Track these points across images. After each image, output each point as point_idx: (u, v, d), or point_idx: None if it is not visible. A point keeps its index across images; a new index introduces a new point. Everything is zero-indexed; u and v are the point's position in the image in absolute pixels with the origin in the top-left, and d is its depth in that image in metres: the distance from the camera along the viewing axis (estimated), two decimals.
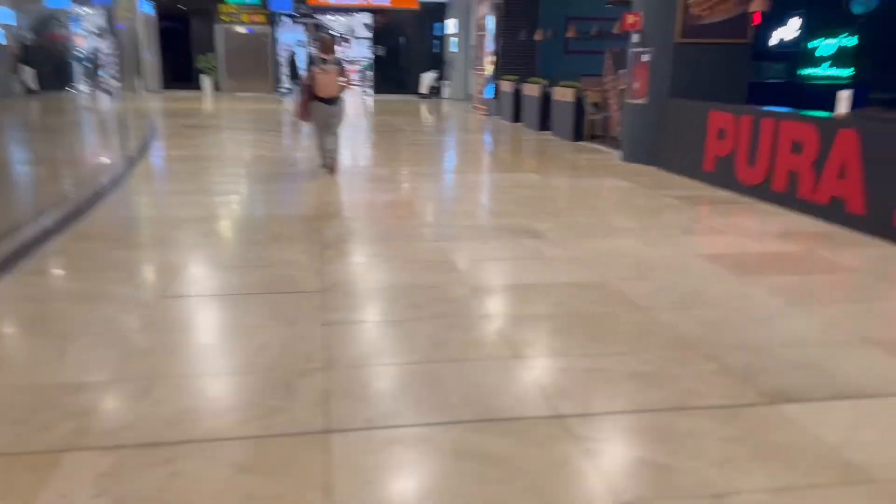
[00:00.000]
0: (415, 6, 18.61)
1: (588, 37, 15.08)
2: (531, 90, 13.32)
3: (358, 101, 21.76)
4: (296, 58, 28.41)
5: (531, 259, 4.59)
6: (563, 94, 11.65)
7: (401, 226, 5.45)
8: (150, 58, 22.28)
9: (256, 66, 23.55)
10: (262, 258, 4.47)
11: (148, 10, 22.30)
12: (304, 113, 7.37)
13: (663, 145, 8.33)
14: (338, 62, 7.40)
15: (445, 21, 22.86)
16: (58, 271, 4.29)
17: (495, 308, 3.70)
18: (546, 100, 12.81)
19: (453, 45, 22.11)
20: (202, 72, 22.31)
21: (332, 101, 7.30)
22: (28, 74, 5.59)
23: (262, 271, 4.21)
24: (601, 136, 11.28)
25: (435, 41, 24.24)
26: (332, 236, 5.02)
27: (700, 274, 4.33)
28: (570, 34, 14.91)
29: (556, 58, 15.80)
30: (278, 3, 18.83)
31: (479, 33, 17.08)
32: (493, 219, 5.76)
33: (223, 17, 22.93)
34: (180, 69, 22.85)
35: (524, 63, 15.56)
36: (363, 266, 4.36)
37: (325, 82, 7.22)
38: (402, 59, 24.57)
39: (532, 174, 8.08)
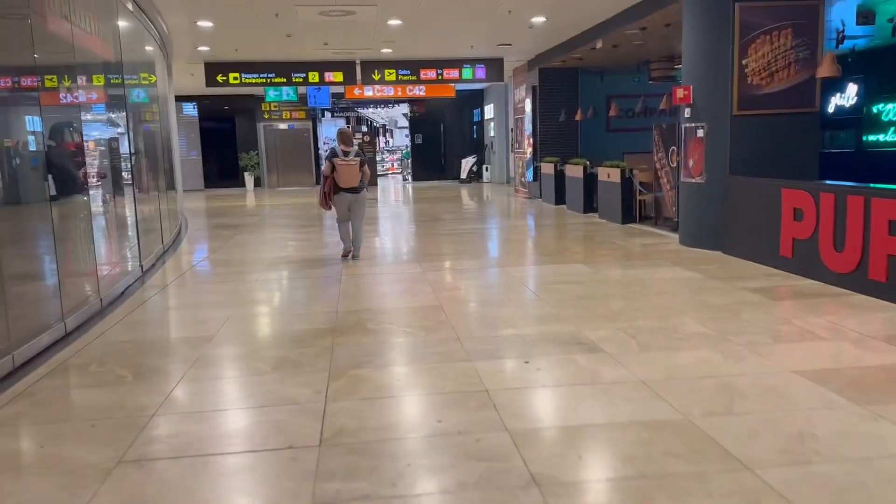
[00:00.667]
0: (450, 95, 18.44)
1: (631, 114, 14.48)
2: (574, 171, 12.65)
3: (398, 189, 21.54)
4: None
5: (587, 385, 3.69)
6: (609, 174, 10.92)
7: (429, 340, 4.63)
8: (193, 157, 22.66)
9: (298, 160, 23.74)
10: (256, 396, 3.69)
11: (191, 111, 22.88)
12: (326, 202, 7.69)
13: (729, 227, 7.41)
14: (359, 153, 7.57)
15: (484, 107, 22.74)
16: (9, 425, 3.58)
17: (545, 469, 2.78)
18: (590, 180, 12.10)
19: (492, 130, 21.87)
20: (245, 169, 22.51)
21: (354, 190, 7.59)
22: (49, 180, 5.40)
23: (251, 417, 3.42)
24: (653, 217, 10.42)
25: (473, 126, 24.13)
26: (345, 359, 4.23)
27: (806, 403, 3.36)
28: (611, 112, 14.34)
29: (598, 137, 15.22)
30: (317, 99, 18.95)
31: (518, 116, 16.71)
32: (538, 326, 4.91)
33: (265, 116, 23.33)
34: (225, 167, 23.16)
35: (565, 143, 15.01)
36: (376, 404, 3.52)
37: (346, 173, 7.47)
38: (441, 146, 24.47)
39: (580, 265, 7.24)
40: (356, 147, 7.66)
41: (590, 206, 12.18)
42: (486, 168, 22.45)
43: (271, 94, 18.57)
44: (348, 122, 31.67)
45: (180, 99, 22.36)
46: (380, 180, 23.84)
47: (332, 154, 7.54)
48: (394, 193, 20.30)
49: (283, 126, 23.59)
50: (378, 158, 25.26)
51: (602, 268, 7.07)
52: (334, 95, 21.41)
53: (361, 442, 3.04)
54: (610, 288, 6.16)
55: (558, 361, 4.08)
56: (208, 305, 6.00)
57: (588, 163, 12.28)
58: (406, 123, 35.23)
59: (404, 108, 25.99)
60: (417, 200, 16.98)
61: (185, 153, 22.98)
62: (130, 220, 7.75)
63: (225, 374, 4.17)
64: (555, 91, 14.97)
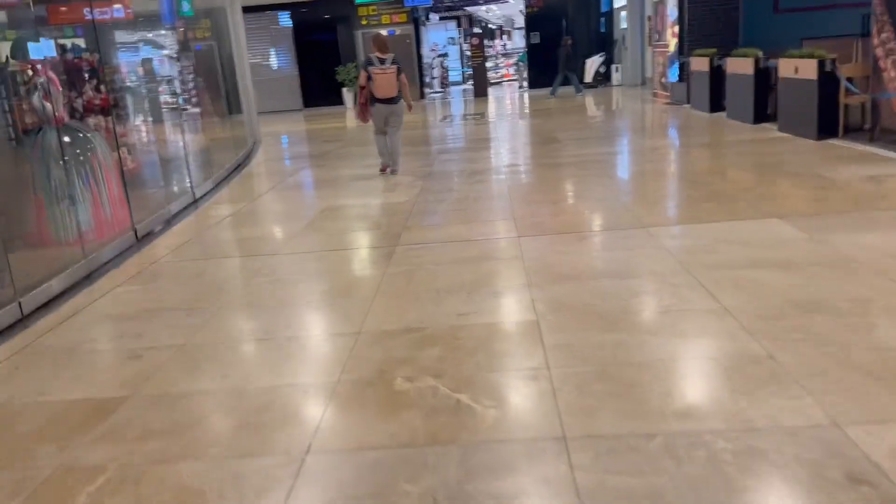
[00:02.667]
0: None
1: None
2: (739, 66, 9.37)
3: (510, 99, 18.67)
4: (446, 60, 26.00)
5: None
6: (798, 69, 7.68)
7: (515, 440, 2.28)
8: (289, 73, 20.86)
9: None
10: None
11: (286, 22, 20.91)
12: (364, 115, 7.33)
13: None
14: (395, 61, 7.17)
15: None
16: None
17: None
18: (762, 79, 8.85)
19: (623, 21, 18.22)
20: (343, 84, 20.39)
21: (391, 100, 7.21)
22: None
23: None
24: (865, 128, 7.19)
25: (601, 19, 20.44)
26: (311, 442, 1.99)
27: None
28: None
29: (763, 20, 11.59)
30: None
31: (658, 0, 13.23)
32: (734, 403, 2.40)
33: (362, 21, 20.92)
34: (326, 84, 21.11)
35: (721, 31, 11.54)
36: None
37: (383, 83, 7.09)
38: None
39: (778, 222, 4.48)
40: (392, 55, 7.24)
41: (762, 113, 8.97)
42: (617, 68, 18.95)
43: None
44: (459, 24, 28.62)
45: (273, 7, 20.44)
46: (491, 90, 21.01)
47: (368, 62, 7.21)
48: (504, 105, 17.51)
49: (383, 33, 21.06)
50: (489, 65, 22.27)
51: (819, 228, 4.27)
52: None
53: None
54: (854, 279, 3.43)
55: None
56: (197, 303, 3.95)
57: (761, 54, 8.98)
58: (524, 23, 31.67)
59: (521, 4, 22.63)
60: (531, 114, 14.17)
61: (280, 69, 21.26)
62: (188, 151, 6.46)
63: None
64: None
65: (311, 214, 5.98)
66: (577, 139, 9.43)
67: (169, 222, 6.09)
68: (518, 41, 31.82)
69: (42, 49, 4.96)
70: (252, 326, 3.61)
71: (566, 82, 17.08)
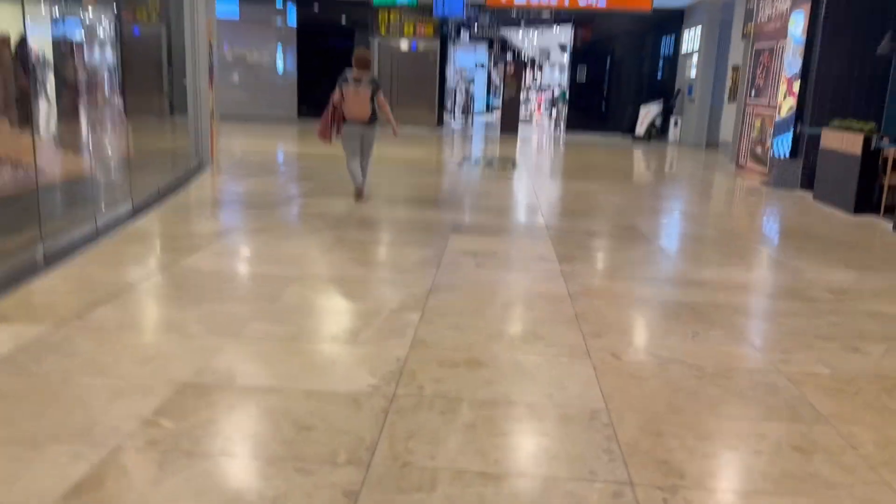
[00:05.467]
0: (646, 7, 12.11)
1: None
2: None
3: (541, 141, 15.47)
4: (472, 86, 22.69)
5: None
6: None
7: None
8: (285, 77, 17.71)
9: (419, 92, 18.13)
10: None
11: (291, 21, 17.80)
12: (327, 133, 6.62)
13: None
14: (373, 80, 6.56)
15: (682, 31, 15.90)
16: None
17: None
18: None
19: (692, 66, 15.09)
20: None
21: (363, 123, 6.60)
22: None
23: None
24: None
25: (660, 61, 17.34)
26: None
27: None
28: None
29: None
30: (446, 5, 13.14)
31: (765, 45, 10.05)
32: None
33: (381, 30, 17.80)
34: (327, 95, 17.94)
35: (864, 98, 8.34)
36: None
37: (354, 103, 6.49)
38: (605, 87, 17.97)
39: None
40: (372, 74, 6.75)
41: None
42: (676, 122, 15.79)
43: None
44: (490, 46, 25.51)
45: None
46: (521, 126, 17.85)
47: (342, 79, 6.48)
48: (537, 150, 14.29)
49: (403, 45, 17.97)
50: (522, 98, 19.12)
51: None
52: (473, 5, 15.41)
53: None
54: None
55: None
56: None
57: None
58: (561, 57, 28.66)
59: (564, 34, 19.60)
60: (565, 168, 10.89)
61: (275, 72, 18.11)
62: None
63: None
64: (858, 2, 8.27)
65: (150, 406, 2.67)
66: (627, 209, 6.13)
67: None
68: (548, 75, 28.83)
69: None
70: None
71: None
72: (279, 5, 17.69)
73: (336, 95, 6.50)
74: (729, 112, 12.88)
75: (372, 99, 6.48)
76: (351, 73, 6.48)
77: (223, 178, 8.19)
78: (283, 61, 18.08)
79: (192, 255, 4.60)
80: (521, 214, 7.06)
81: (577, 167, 10.89)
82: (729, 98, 12.84)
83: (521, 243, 5.55)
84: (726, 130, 13.03)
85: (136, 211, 5.65)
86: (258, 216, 6.07)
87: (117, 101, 6.24)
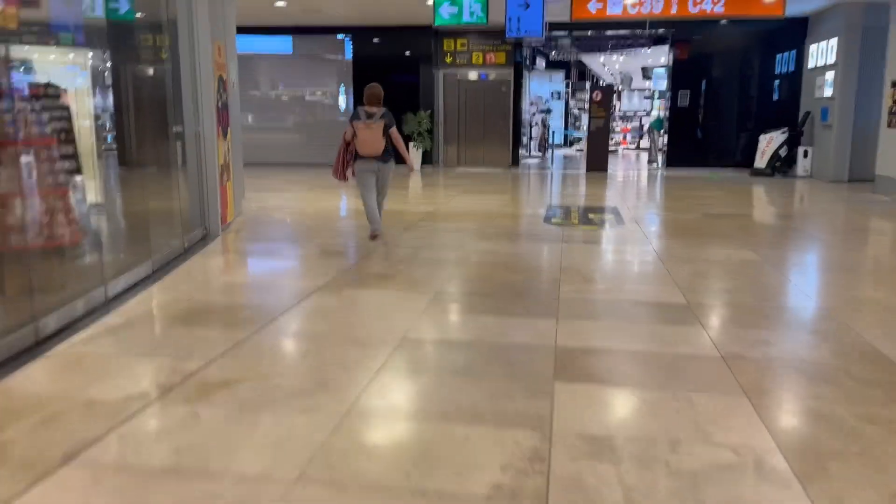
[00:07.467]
0: (777, 13, 9.62)
1: None
2: None
3: (642, 183, 12.86)
4: (549, 119, 20.17)
5: None
6: None
7: None
8: (335, 114, 15.89)
9: (491, 128, 16.03)
10: None
11: (348, 54, 16.05)
12: (341, 171, 6.55)
13: None
14: (385, 116, 6.34)
15: (807, 46, 13.13)
16: None
17: None
18: None
19: (827, 84, 12.29)
20: (410, 138, 15.13)
21: (378, 159, 6.44)
22: None
23: None
24: None
25: (775, 81, 14.55)
26: None
27: None
28: None
29: None
30: (521, 24, 10.89)
31: None
32: None
33: (446, 59, 15.81)
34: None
35: None
36: None
37: (367, 138, 6.31)
38: (716, 113, 15.26)
39: None
40: (384, 109, 6.42)
41: None
42: (805, 153, 12.95)
43: (444, 8, 10.81)
44: (568, 74, 23.15)
45: (330, 30, 15.61)
46: (611, 159, 15.36)
47: (354, 116, 6.38)
48: (636, 195, 11.76)
49: (472, 75, 15.90)
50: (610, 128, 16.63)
51: None
52: (552, 26, 13.09)
53: None
54: None
55: None
56: None
57: None
58: (643, 83, 25.94)
59: (652, 56, 17.14)
60: (690, 222, 8.27)
61: (336, 110, 16.38)
62: None
63: None
64: None
65: None
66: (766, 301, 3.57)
67: None
68: (628, 102, 26.20)
69: None
70: None
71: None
72: (340, 36, 16.02)
73: (348, 132, 6.42)
74: (890, 139, 10.05)
75: (385, 134, 6.34)
76: (363, 110, 6.36)
77: (230, 258, 6.11)
78: (345, 98, 16.35)
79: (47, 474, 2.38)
80: (662, 318, 4.47)
81: (706, 220, 8.25)
82: (889, 122, 10.01)
83: (699, 409, 3.07)
84: (886, 162, 10.18)
85: (38, 343, 3.54)
86: (234, 352, 3.86)
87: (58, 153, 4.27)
